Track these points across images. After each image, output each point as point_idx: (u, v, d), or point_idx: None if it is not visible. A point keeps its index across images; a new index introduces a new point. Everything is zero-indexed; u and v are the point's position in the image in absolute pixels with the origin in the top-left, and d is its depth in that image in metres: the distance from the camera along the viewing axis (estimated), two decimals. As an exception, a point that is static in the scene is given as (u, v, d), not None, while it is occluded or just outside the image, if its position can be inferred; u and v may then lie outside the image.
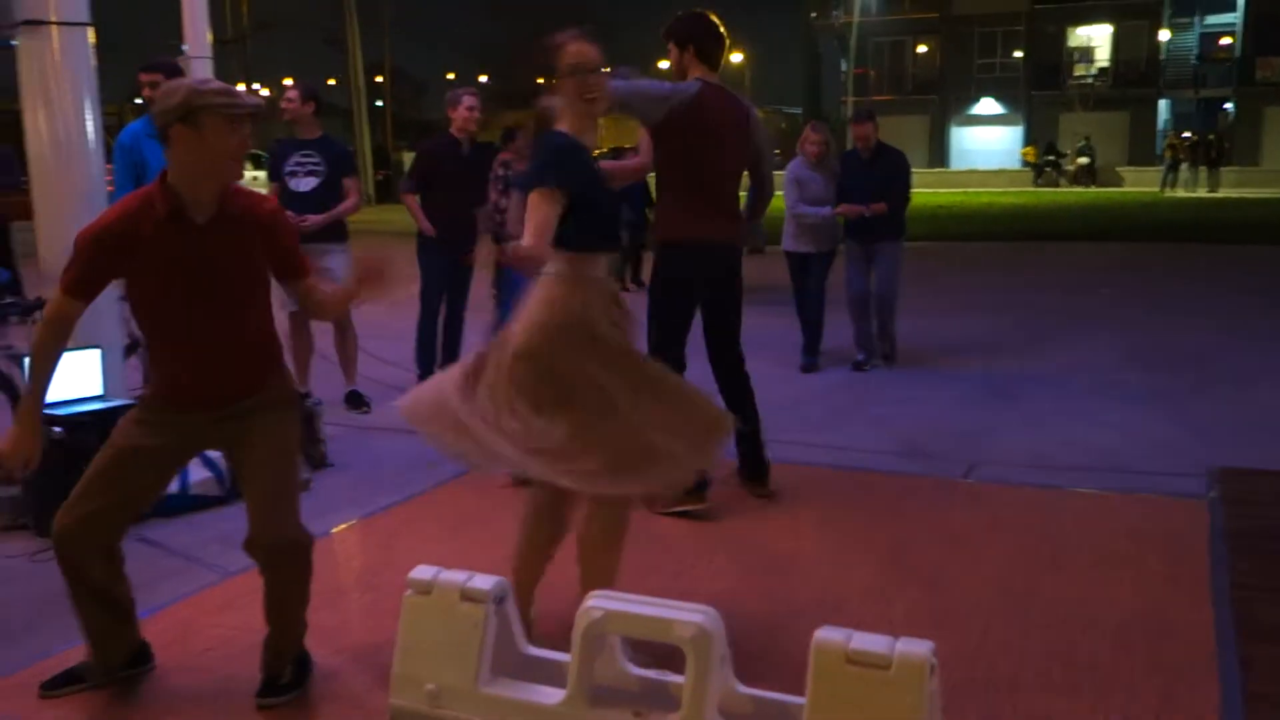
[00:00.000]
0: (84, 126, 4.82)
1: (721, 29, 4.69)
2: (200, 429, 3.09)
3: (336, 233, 6.54)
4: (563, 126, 3.26)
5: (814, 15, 48.11)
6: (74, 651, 3.17)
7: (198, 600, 3.81)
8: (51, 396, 4.45)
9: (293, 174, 6.45)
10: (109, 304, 4.59)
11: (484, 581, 2.70)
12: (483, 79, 51.60)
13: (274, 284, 3.12)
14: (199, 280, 2.95)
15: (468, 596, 2.69)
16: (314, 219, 6.29)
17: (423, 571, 2.77)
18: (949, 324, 9.69)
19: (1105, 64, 43.60)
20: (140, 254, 2.91)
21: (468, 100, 6.81)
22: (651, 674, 2.67)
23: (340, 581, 4.01)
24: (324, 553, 3.63)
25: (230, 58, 34.17)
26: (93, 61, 4.87)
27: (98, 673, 3.13)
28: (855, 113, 8.19)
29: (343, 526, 4.61)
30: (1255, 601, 3.64)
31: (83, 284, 2.93)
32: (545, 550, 3.35)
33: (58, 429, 4.35)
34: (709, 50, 4.65)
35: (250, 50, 38.48)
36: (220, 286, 2.99)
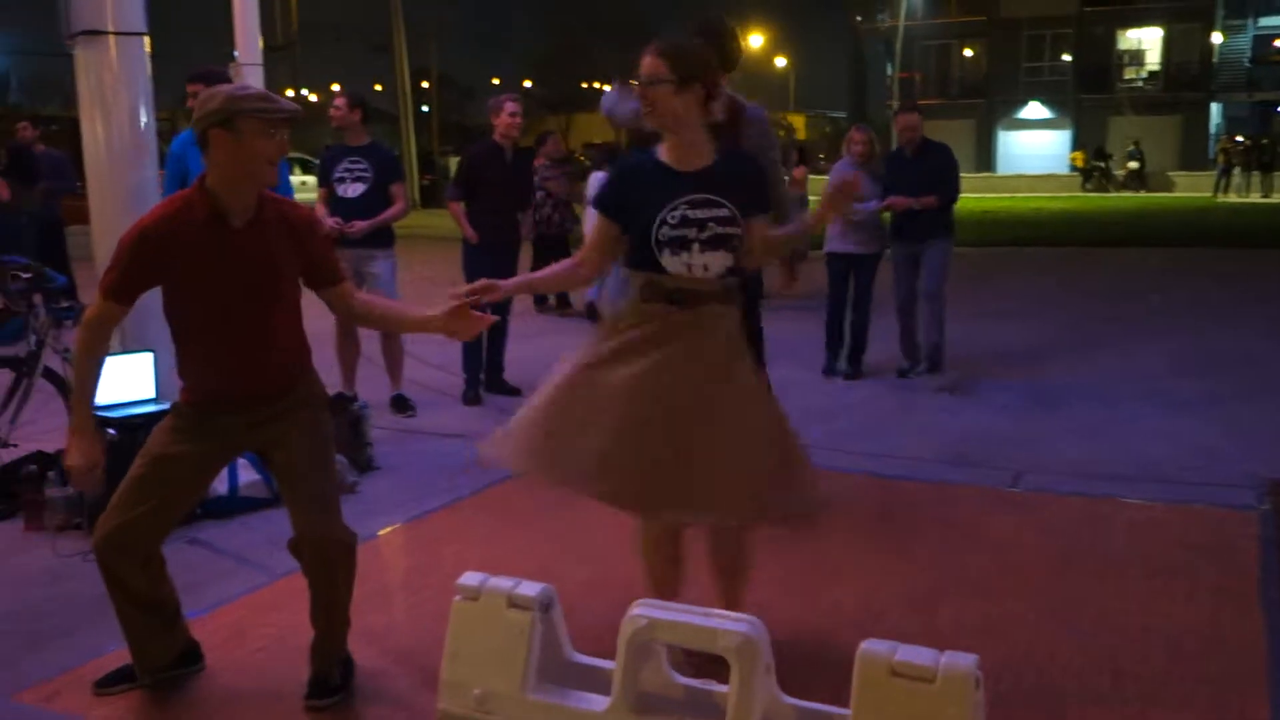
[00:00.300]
0: (139, 133, 4.91)
1: (723, 31, 4.59)
2: (234, 432, 3.11)
3: (383, 238, 6.61)
4: (662, 144, 3.16)
5: (859, 19, 47.86)
6: (126, 650, 3.21)
7: (248, 601, 3.87)
8: (106, 399, 4.57)
9: (341, 180, 6.53)
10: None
11: (530, 589, 2.72)
12: (527, 84, 51.84)
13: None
14: (235, 283, 2.98)
15: (514, 603, 2.71)
16: (361, 224, 6.36)
17: (470, 578, 2.80)
18: (995, 331, 9.61)
19: (1156, 67, 43.00)
20: (179, 257, 2.94)
21: (510, 106, 6.85)
22: (696, 683, 2.68)
23: (387, 584, 4.05)
24: (371, 555, 3.68)
25: (280, 64, 34.54)
26: (148, 70, 4.96)
27: (142, 674, 3.17)
28: (900, 105, 8.13)
29: (389, 529, 4.66)
30: (1309, 616, 3.59)
31: (123, 288, 2.96)
32: (674, 579, 3.31)
33: (111, 431, 4.43)
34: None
35: (299, 56, 38.85)
36: (255, 290, 3.01)
